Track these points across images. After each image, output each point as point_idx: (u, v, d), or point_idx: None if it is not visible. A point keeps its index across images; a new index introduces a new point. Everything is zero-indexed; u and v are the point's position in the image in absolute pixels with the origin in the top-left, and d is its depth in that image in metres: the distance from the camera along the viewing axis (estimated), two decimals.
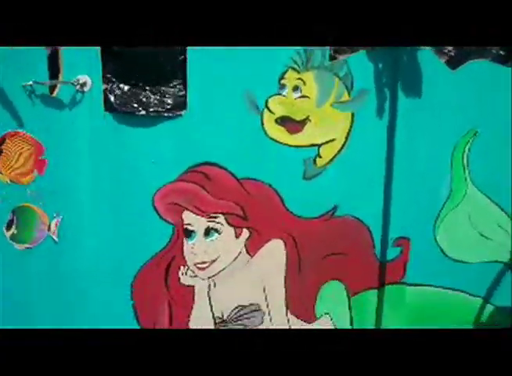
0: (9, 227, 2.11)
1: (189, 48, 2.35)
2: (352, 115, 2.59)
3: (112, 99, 2.33)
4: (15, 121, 2.10)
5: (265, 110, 2.51)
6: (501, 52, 2.62)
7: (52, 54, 2.19)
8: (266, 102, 2.51)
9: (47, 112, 2.21)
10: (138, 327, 2.48)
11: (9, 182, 2.10)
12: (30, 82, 2.13)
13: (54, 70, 2.22)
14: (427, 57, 2.52)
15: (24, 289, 2.15)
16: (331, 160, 2.62)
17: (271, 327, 2.70)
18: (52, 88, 2.22)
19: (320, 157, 2.62)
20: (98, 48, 2.27)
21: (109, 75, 2.35)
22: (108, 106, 2.33)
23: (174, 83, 2.42)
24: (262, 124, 2.53)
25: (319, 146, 2.60)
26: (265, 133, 2.54)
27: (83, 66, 2.26)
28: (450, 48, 2.48)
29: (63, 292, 2.27)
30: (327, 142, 2.61)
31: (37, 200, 2.20)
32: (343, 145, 2.62)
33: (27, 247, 2.17)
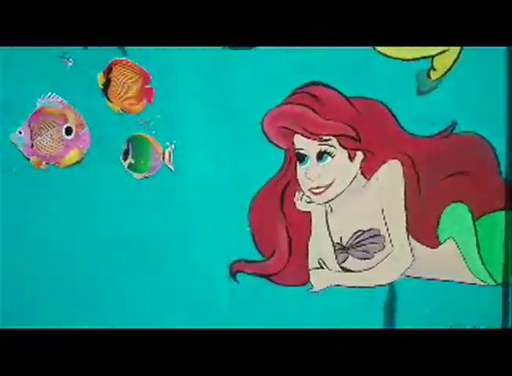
0: (125, 157, 2.14)
1: None
2: None
3: None
4: (119, 50, 2.10)
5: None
6: None
7: None
8: None
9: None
10: (258, 256, 2.47)
11: (120, 111, 2.12)
12: None
13: None
14: None
15: (140, 218, 2.18)
16: (447, 72, 2.46)
17: (392, 252, 2.61)
18: None
19: (434, 69, 2.47)
20: None
21: None
22: None
23: None
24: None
25: (433, 57, 2.45)
26: (373, 47, 2.42)
27: None
28: None
29: (178, 219, 2.29)
30: (441, 53, 2.45)
31: (149, 128, 2.21)
32: (459, 54, 2.45)
33: (145, 176, 2.19)
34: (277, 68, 2.43)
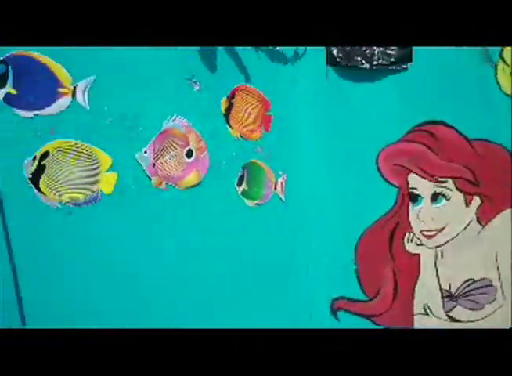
0: (240, 183, 2.15)
1: None
2: None
3: (335, 52, 2.29)
4: (242, 75, 2.13)
5: (500, 61, 2.31)
6: None
7: None
8: (501, 52, 2.31)
9: (271, 66, 2.22)
10: (361, 295, 2.40)
11: (239, 137, 2.14)
12: None
13: None
14: None
15: (253, 244, 2.18)
16: None
17: (503, 305, 2.48)
18: None
19: None
20: None
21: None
22: (331, 61, 2.29)
23: None
24: (496, 77, 2.33)
25: None
26: (500, 87, 2.34)
27: None
28: None
29: (284, 249, 2.27)
30: None
31: (264, 156, 2.22)
32: None
33: (257, 204, 2.19)
34: (397, 105, 2.39)
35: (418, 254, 2.48)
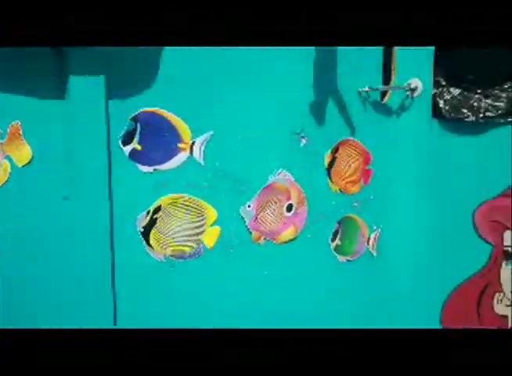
0: (333, 238, 2.13)
1: None
2: None
3: (441, 104, 2.26)
4: (348, 128, 2.11)
5: None
6: None
7: (387, 55, 2.17)
8: None
9: (375, 119, 2.19)
10: None
11: (338, 191, 2.12)
12: (366, 88, 2.12)
13: (387, 74, 2.19)
14: None
15: (340, 299, 2.16)
16: None
17: None
18: (384, 94, 2.19)
19: None
20: (432, 49, 2.20)
21: (440, 78, 2.27)
22: (437, 113, 2.26)
23: (509, 85, 2.28)
24: None
25: None
26: None
27: (414, 68, 2.20)
28: None
29: (374, 305, 2.25)
30: None
31: (360, 211, 2.20)
32: None
33: (348, 260, 2.18)
34: (499, 159, 2.36)
35: (507, 316, 2.44)
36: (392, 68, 2.19)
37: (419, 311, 2.35)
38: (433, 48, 2.19)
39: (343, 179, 2.16)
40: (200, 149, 1.90)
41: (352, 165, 2.17)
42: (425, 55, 2.22)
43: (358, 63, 2.11)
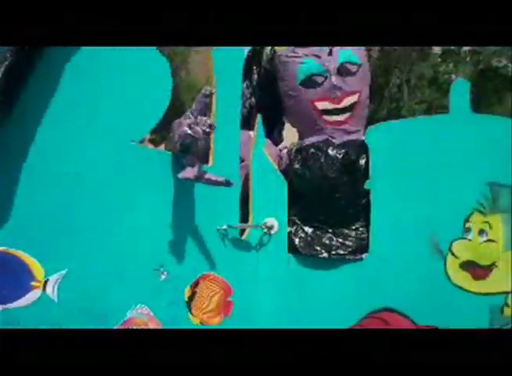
0: None
1: (371, 189, 2.49)
2: None
3: (296, 241, 2.51)
4: (208, 263, 2.31)
5: (449, 254, 2.55)
6: None
7: (243, 198, 2.43)
8: (450, 245, 2.55)
9: (235, 254, 2.41)
10: None
11: (199, 323, 2.28)
12: (224, 226, 2.35)
13: (244, 214, 2.44)
14: None
15: None
16: None
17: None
18: (243, 231, 2.43)
19: (508, 306, 2.57)
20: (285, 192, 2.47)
21: (294, 218, 2.53)
22: (292, 249, 2.50)
23: (357, 225, 2.55)
24: (445, 268, 2.56)
25: (507, 294, 2.57)
26: (448, 278, 2.56)
27: (271, 209, 2.46)
28: None
29: None
30: None
31: None
32: None
33: None
34: (353, 292, 2.57)
35: None
36: (250, 209, 2.44)
37: None
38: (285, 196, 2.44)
39: (203, 312, 2.32)
40: (54, 287, 2.02)
41: (213, 299, 2.35)
42: (280, 194, 2.47)
43: (216, 202, 2.32)
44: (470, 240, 2.54)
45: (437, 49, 20.33)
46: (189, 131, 2.12)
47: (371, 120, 2.72)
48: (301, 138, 2.70)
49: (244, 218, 2.44)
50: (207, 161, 2.30)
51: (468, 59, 20.33)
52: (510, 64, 20.22)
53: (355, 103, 2.63)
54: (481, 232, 2.55)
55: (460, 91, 2.53)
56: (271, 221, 2.45)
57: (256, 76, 2.76)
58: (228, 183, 2.16)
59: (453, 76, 19.34)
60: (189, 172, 2.12)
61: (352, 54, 2.60)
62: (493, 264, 2.56)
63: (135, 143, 2.25)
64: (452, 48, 20.21)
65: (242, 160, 2.47)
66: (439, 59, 20.24)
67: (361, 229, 2.54)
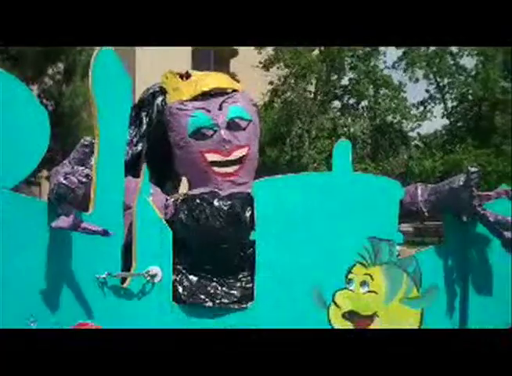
0: None
1: (257, 240, 2.49)
2: (421, 312, 2.62)
3: (180, 290, 2.45)
4: (85, 312, 2.21)
5: (332, 304, 2.57)
6: None
7: (127, 246, 2.36)
8: (333, 296, 2.57)
9: (117, 302, 2.33)
10: None
11: None
12: (104, 275, 2.27)
13: (127, 263, 2.37)
14: (497, 253, 2.59)
15: None
16: None
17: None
18: (124, 279, 2.35)
19: None
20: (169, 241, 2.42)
21: (179, 266, 2.49)
22: (176, 297, 2.44)
23: (242, 275, 2.54)
24: (329, 318, 2.57)
25: None
26: (332, 327, 2.58)
27: (155, 258, 2.40)
28: None
29: None
30: None
31: None
32: None
33: None
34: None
35: None
36: (133, 257, 2.37)
37: None
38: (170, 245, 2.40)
39: None
40: None
41: None
42: (164, 243, 2.42)
43: (96, 251, 2.25)
44: (352, 290, 2.57)
45: (335, 104, 21.30)
46: (64, 181, 2.05)
47: (274, 165, 2.75)
48: (190, 188, 2.68)
49: (127, 266, 2.36)
50: (86, 209, 2.22)
51: (365, 113, 21.51)
52: (403, 120, 21.36)
53: (244, 155, 2.67)
54: (363, 283, 2.59)
55: (342, 151, 2.60)
56: (154, 269, 2.39)
57: (145, 125, 2.73)
58: (106, 233, 2.09)
59: (351, 129, 20.38)
60: (64, 221, 2.05)
61: (243, 110, 2.65)
62: (374, 314, 2.59)
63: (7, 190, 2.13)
64: (351, 102, 21.30)
65: (127, 208, 2.40)
66: (338, 113, 21.35)
67: (246, 278, 2.52)
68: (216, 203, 2.53)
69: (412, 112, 21.33)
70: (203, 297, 2.48)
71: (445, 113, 22.24)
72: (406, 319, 2.63)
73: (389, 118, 20.71)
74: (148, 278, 2.38)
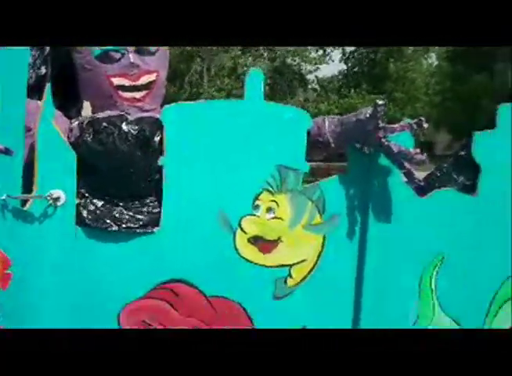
0: None
1: (165, 166, 2.44)
2: (324, 237, 2.69)
3: (84, 214, 2.37)
4: None
5: (238, 229, 2.57)
6: (466, 182, 2.81)
7: (27, 166, 2.24)
8: (239, 221, 2.57)
9: (17, 225, 2.22)
10: None
11: None
12: (3, 196, 2.15)
13: (28, 185, 2.25)
14: (398, 183, 2.68)
15: None
16: (302, 280, 2.67)
17: None
18: (25, 202, 2.24)
19: (291, 277, 2.68)
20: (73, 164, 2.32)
21: (83, 190, 2.39)
22: (80, 221, 2.36)
23: (149, 200, 2.49)
24: (235, 242, 2.58)
25: (291, 266, 2.66)
26: (237, 252, 2.59)
27: (57, 181, 2.30)
28: (419, 178, 2.65)
29: None
30: (298, 263, 2.68)
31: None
32: (313, 266, 2.69)
33: None
34: (143, 265, 2.50)
35: None
36: (34, 179, 2.25)
37: None
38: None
39: None
40: None
41: None
42: (68, 166, 2.31)
43: None
44: (258, 216, 2.58)
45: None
46: None
47: (171, 102, 2.67)
48: (94, 112, 2.56)
49: (28, 188, 2.24)
50: None
51: (265, 54, 21.50)
52: (302, 63, 21.60)
53: (152, 81, 2.62)
54: (269, 209, 2.60)
55: (254, 79, 2.55)
56: (57, 192, 2.29)
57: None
58: (7, 151, 1.97)
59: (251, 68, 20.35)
60: None
61: None
62: (279, 239, 2.62)
63: None
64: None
65: (28, 130, 2.26)
66: (239, 52, 21.19)
67: (152, 203, 2.47)
68: (124, 126, 2.44)
69: (311, 55, 21.54)
70: (108, 221, 2.41)
71: (343, 57, 22.65)
72: (309, 243, 2.68)
73: (289, 60, 20.82)
74: (50, 201, 2.28)
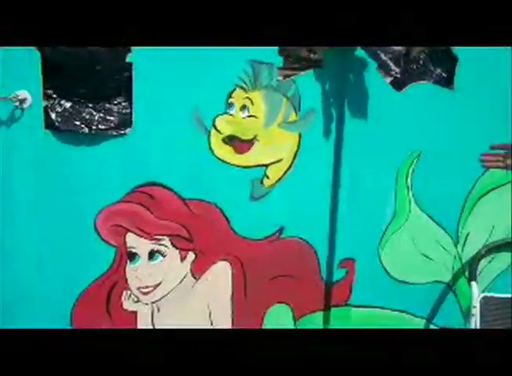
0: None
1: (134, 64, 2.34)
2: (299, 136, 2.65)
3: (53, 116, 2.29)
4: None
5: (212, 129, 2.52)
6: (443, 75, 2.76)
7: None
8: (213, 121, 2.52)
9: None
10: None
11: None
12: None
13: None
14: (374, 78, 2.62)
15: None
16: (278, 180, 2.66)
17: None
18: None
19: (268, 177, 2.66)
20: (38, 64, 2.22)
21: (50, 91, 2.30)
22: (49, 124, 2.28)
23: (119, 100, 2.40)
24: (209, 143, 2.54)
25: (267, 166, 2.64)
26: (212, 152, 2.55)
27: (22, 81, 2.20)
28: (396, 69, 2.58)
29: None
30: (274, 163, 2.65)
31: None
32: (290, 165, 2.67)
33: None
34: (117, 168, 2.46)
35: (135, 312, 2.56)
36: None
37: (50, 313, 2.34)
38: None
39: None
40: None
41: None
42: (33, 66, 2.20)
43: None
44: (232, 115, 2.51)
45: None
46: None
47: None
48: None
49: None
50: None
51: None
52: None
53: None
54: (243, 107, 2.54)
55: None
56: (23, 93, 2.19)
57: None
58: None
59: None
60: None
61: None
62: (254, 138, 2.58)
63: None
64: None
65: None
66: None
67: (123, 103, 2.39)
68: None
69: None
70: (78, 123, 2.34)
71: None
72: (285, 142, 2.65)
73: None
74: (16, 103, 2.19)
